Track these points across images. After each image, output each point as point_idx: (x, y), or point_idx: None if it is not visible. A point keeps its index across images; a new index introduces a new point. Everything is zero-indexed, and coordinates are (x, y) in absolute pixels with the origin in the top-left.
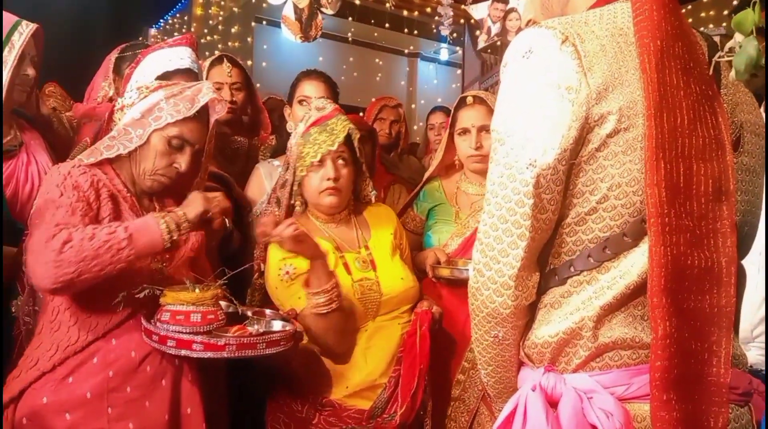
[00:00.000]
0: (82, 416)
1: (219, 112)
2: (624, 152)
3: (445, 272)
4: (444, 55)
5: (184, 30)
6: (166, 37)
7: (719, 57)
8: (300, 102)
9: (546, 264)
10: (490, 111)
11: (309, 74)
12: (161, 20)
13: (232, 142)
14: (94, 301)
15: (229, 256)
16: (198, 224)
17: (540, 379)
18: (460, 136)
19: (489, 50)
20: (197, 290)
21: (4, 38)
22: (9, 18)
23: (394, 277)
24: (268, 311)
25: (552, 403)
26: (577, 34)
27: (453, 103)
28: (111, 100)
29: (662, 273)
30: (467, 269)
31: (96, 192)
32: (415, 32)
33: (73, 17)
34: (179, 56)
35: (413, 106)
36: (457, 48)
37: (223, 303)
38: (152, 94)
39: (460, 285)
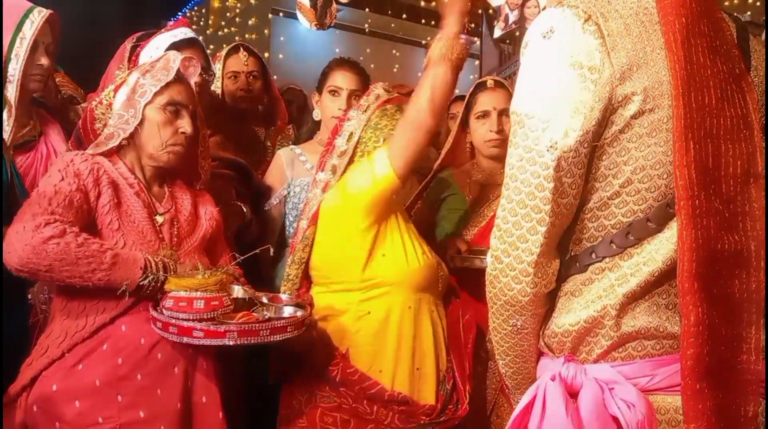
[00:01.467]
0: (91, 404)
1: (194, 73)
2: (649, 134)
3: (466, 263)
4: None
5: (202, 23)
6: None
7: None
8: (331, 92)
9: (566, 250)
10: (510, 95)
11: (341, 64)
12: (179, 13)
13: (249, 131)
14: (101, 287)
15: (248, 244)
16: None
17: (560, 369)
18: (479, 119)
19: (507, 40)
20: (203, 276)
21: (15, 27)
22: (21, 5)
23: (443, 265)
24: (284, 296)
25: (572, 393)
26: (600, 13)
27: None
28: None
29: (693, 257)
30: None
31: (95, 179)
32: (432, 23)
33: (92, 10)
34: (182, 32)
35: None
36: (475, 38)
37: (238, 288)
38: (128, 78)
39: (475, 274)
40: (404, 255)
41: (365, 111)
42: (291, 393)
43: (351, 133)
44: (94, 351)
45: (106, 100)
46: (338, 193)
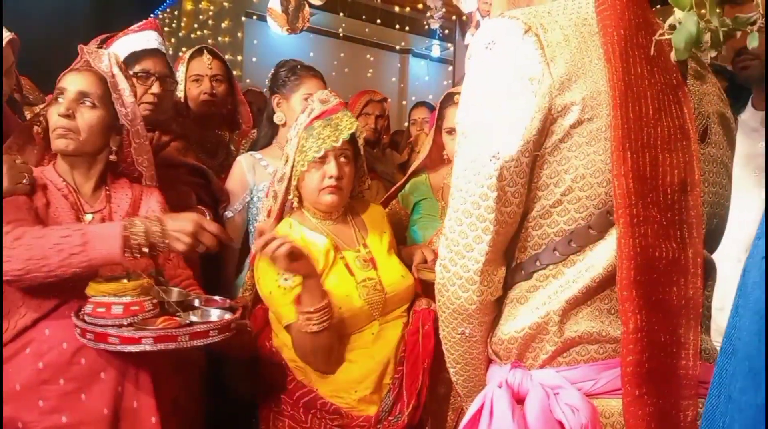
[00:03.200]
0: (12, 409)
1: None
2: (588, 143)
3: (431, 275)
4: (436, 51)
5: (174, 25)
6: None
7: (659, 36)
8: (306, 99)
9: (512, 258)
10: None
11: (310, 70)
12: (151, 15)
13: (213, 135)
14: (91, 270)
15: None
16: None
17: (507, 375)
18: (449, 134)
19: None
20: (127, 280)
21: None
22: None
23: (395, 275)
24: (218, 299)
25: (519, 399)
26: (540, 24)
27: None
28: None
29: (632, 265)
30: None
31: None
32: (407, 28)
33: (61, 11)
34: (146, 39)
35: (404, 102)
36: (449, 44)
37: (173, 290)
38: None
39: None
40: (346, 296)
41: (297, 133)
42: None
43: (287, 156)
44: (18, 354)
45: None
46: None
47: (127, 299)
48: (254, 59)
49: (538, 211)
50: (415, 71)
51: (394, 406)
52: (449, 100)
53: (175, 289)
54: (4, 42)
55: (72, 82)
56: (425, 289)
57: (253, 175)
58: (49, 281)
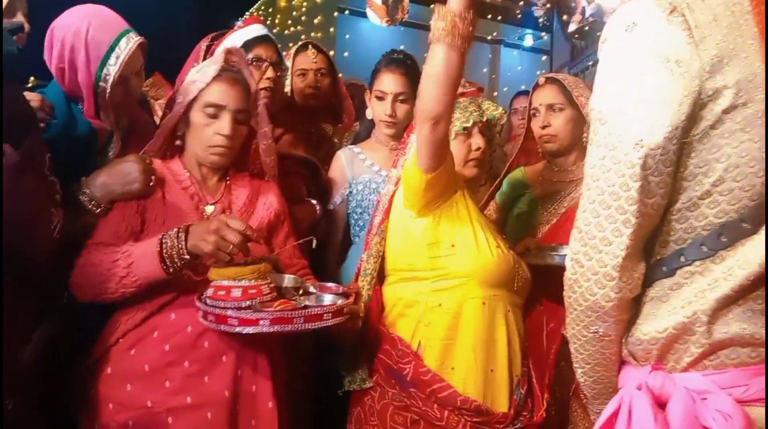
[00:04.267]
0: (141, 387)
1: (242, 63)
2: (742, 129)
3: (542, 257)
4: (528, 41)
5: (268, 22)
6: None
7: None
8: (377, 97)
9: (652, 254)
10: (562, 90)
11: (388, 64)
12: (246, 12)
13: (318, 128)
14: (147, 288)
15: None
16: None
17: (646, 378)
18: (534, 117)
19: (577, 35)
20: (244, 265)
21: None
22: (118, 23)
23: (525, 267)
24: (332, 285)
25: (660, 404)
26: (686, 4)
27: None
28: None
29: None
30: (560, 255)
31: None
32: (499, 18)
33: (163, 14)
34: (255, 30)
35: (495, 93)
36: (543, 34)
37: (288, 277)
38: (189, 75)
39: (550, 274)
40: (476, 247)
41: None
42: (363, 390)
43: None
44: (145, 337)
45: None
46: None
47: (246, 283)
48: (346, 54)
49: (683, 203)
50: (506, 61)
51: (526, 401)
52: (535, 85)
53: (291, 276)
54: (134, 46)
55: (231, 100)
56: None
57: (351, 169)
58: (126, 297)
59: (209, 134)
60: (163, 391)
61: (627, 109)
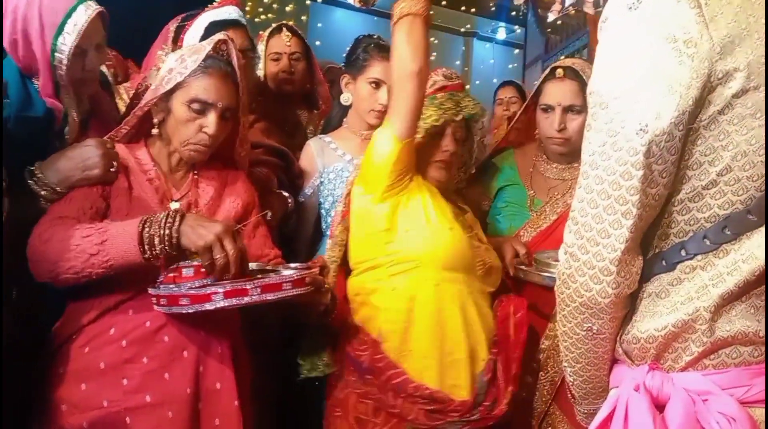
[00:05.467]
0: (96, 387)
1: (235, 54)
2: (752, 115)
3: (535, 276)
4: (501, 34)
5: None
6: None
7: None
8: (371, 84)
9: (650, 247)
10: (581, 87)
11: (382, 51)
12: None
13: (292, 115)
14: (120, 269)
15: (287, 235)
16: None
17: (644, 378)
18: (543, 112)
19: (549, 29)
20: None
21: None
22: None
23: (494, 255)
24: (294, 265)
25: (658, 405)
26: None
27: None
28: None
29: None
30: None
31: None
32: (473, 10)
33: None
34: (226, 11)
35: (468, 86)
36: (516, 27)
37: (253, 263)
38: (167, 60)
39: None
40: (427, 229)
41: None
42: (329, 382)
43: None
44: (101, 334)
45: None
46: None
47: (197, 262)
48: (318, 43)
49: (686, 194)
50: (479, 54)
51: (489, 390)
52: (551, 75)
53: (255, 263)
54: (93, 14)
55: (220, 97)
56: (517, 289)
57: (322, 158)
58: (88, 281)
59: (192, 130)
60: (121, 389)
61: (630, 93)
